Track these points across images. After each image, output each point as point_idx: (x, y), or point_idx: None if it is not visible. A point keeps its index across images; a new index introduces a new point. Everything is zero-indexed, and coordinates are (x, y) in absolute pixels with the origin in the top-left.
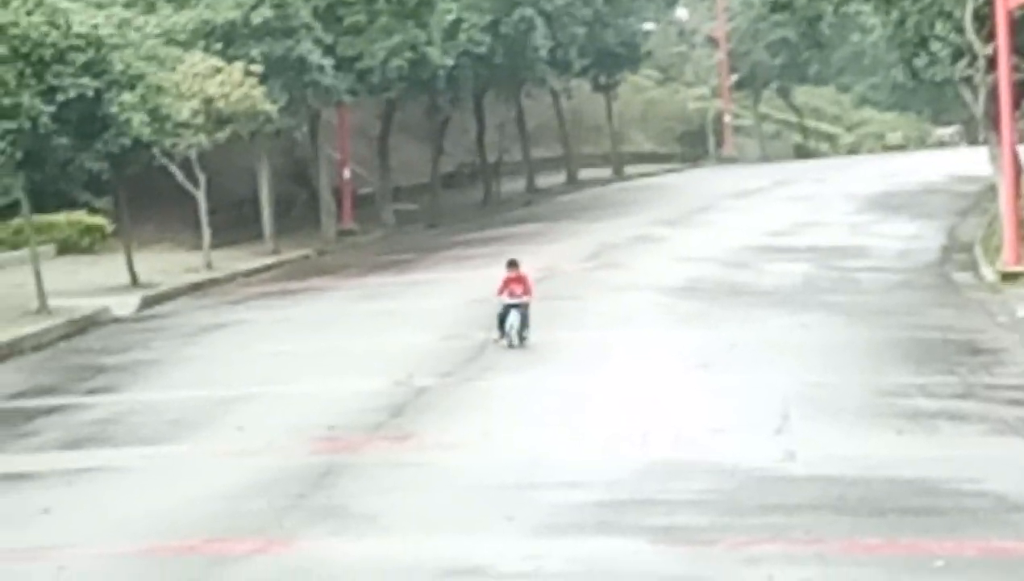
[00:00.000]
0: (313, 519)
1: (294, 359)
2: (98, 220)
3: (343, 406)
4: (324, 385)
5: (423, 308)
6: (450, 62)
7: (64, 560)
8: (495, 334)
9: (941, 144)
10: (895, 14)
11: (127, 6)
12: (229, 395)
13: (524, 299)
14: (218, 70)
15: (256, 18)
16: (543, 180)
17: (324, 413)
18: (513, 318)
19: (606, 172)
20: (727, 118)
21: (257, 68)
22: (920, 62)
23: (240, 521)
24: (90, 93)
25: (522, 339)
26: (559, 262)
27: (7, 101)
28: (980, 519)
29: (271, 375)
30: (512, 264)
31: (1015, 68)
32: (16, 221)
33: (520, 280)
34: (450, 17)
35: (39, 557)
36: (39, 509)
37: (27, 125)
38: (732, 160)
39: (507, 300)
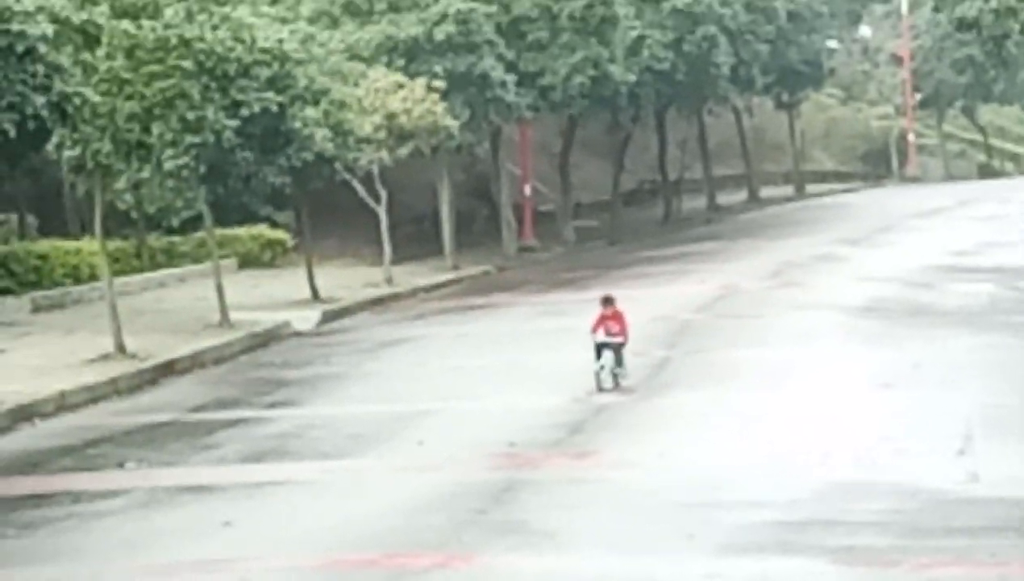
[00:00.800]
0: (493, 535)
1: (474, 375)
2: (279, 234)
3: (523, 422)
4: (504, 401)
5: None
6: (632, 78)
7: (245, 572)
8: (596, 367)
9: None
10: None
11: (311, 22)
12: (409, 410)
13: (618, 339)
14: (400, 86)
15: (439, 34)
16: (724, 198)
17: (504, 429)
18: (606, 358)
19: (787, 190)
20: (911, 137)
21: (439, 84)
22: None
23: (420, 536)
24: (274, 108)
25: (616, 381)
26: (740, 280)
27: (192, 115)
28: None
29: (451, 390)
30: (608, 301)
31: None
32: (199, 234)
33: (617, 318)
34: (633, 34)
35: (221, 569)
36: (221, 521)
37: (211, 139)
38: (915, 179)
39: (601, 338)
